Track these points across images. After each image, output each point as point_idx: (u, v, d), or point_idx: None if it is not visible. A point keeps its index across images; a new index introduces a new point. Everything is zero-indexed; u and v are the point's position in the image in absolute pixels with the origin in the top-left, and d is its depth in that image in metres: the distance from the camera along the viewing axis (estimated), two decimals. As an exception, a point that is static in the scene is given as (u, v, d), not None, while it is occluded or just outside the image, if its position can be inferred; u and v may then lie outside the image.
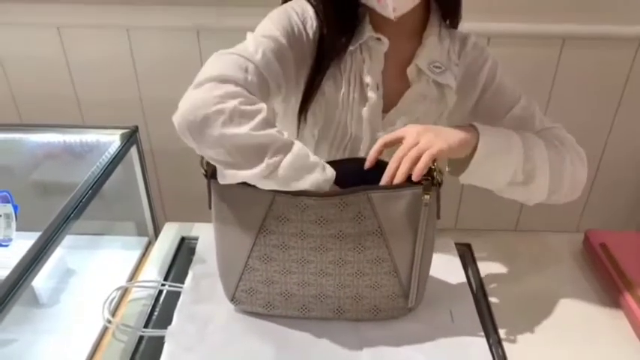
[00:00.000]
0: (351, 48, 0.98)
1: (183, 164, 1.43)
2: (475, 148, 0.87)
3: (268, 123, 0.81)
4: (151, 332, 0.97)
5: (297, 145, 0.81)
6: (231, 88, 0.81)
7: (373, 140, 1.01)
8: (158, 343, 0.93)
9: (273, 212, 0.84)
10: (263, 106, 0.82)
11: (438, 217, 0.87)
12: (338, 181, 0.84)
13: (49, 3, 1.55)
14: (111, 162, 1.11)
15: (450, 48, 1.02)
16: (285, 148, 0.80)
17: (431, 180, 0.82)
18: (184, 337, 0.92)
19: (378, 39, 0.98)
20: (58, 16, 1.58)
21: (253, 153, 0.79)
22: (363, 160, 0.88)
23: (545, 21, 1.52)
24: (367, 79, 0.99)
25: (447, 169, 0.95)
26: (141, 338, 0.96)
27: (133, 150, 1.20)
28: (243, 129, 0.78)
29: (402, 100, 1.02)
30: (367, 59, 0.99)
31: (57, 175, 1.27)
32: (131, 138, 1.19)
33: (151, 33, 1.60)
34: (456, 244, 1.16)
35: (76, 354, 0.94)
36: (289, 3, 0.99)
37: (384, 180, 0.84)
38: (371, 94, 0.99)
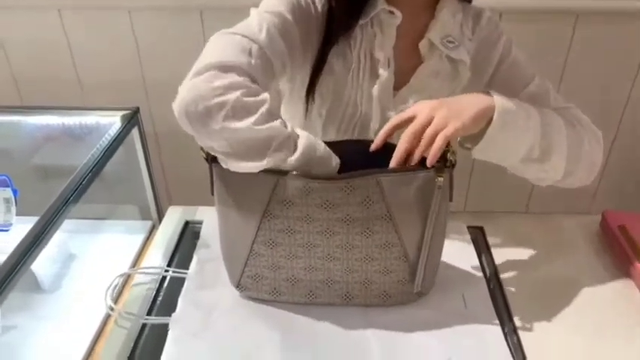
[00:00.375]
0: (361, 22, 0.94)
1: (187, 146, 1.40)
2: (491, 120, 0.83)
3: (271, 115, 0.77)
4: (154, 320, 0.94)
5: (302, 139, 0.78)
6: (233, 77, 0.76)
7: (384, 119, 0.98)
8: (162, 329, 0.91)
9: (277, 196, 0.81)
10: (266, 96, 0.78)
11: (451, 199, 0.83)
12: (341, 161, 0.81)
13: (49, -16, 1.52)
14: (111, 144, 1.09)
15: (463, 22, 0.98)
16: (289, 142, 0.77)
17: (444, 162, 0.78)
18: (189, 323, 0.90)
19: (391, 12, 0.94)
20: (58, -3, 1.55)
21: (256, 147, 0.76)
22: (368, 142, 0.85)
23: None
24: (378, 55, 0.95)
25: (457, 139, 0.91)
26: (144, 324, 0.94)
27: (135, 131, 1.18)
28: (245, 123, 0.74)
29: (414, 76, 0.98)
30: (378, 33, 0.95)
31: (57, 158, 1.25)
32: (132, 119, 1.17)
33: (153, 13, 1.58)
34: (468, 227, 1.13)
35: (78, 341, 0.92)
36: None
37: (394, 161, 0.80)
38: (382, 71, 0.96)
